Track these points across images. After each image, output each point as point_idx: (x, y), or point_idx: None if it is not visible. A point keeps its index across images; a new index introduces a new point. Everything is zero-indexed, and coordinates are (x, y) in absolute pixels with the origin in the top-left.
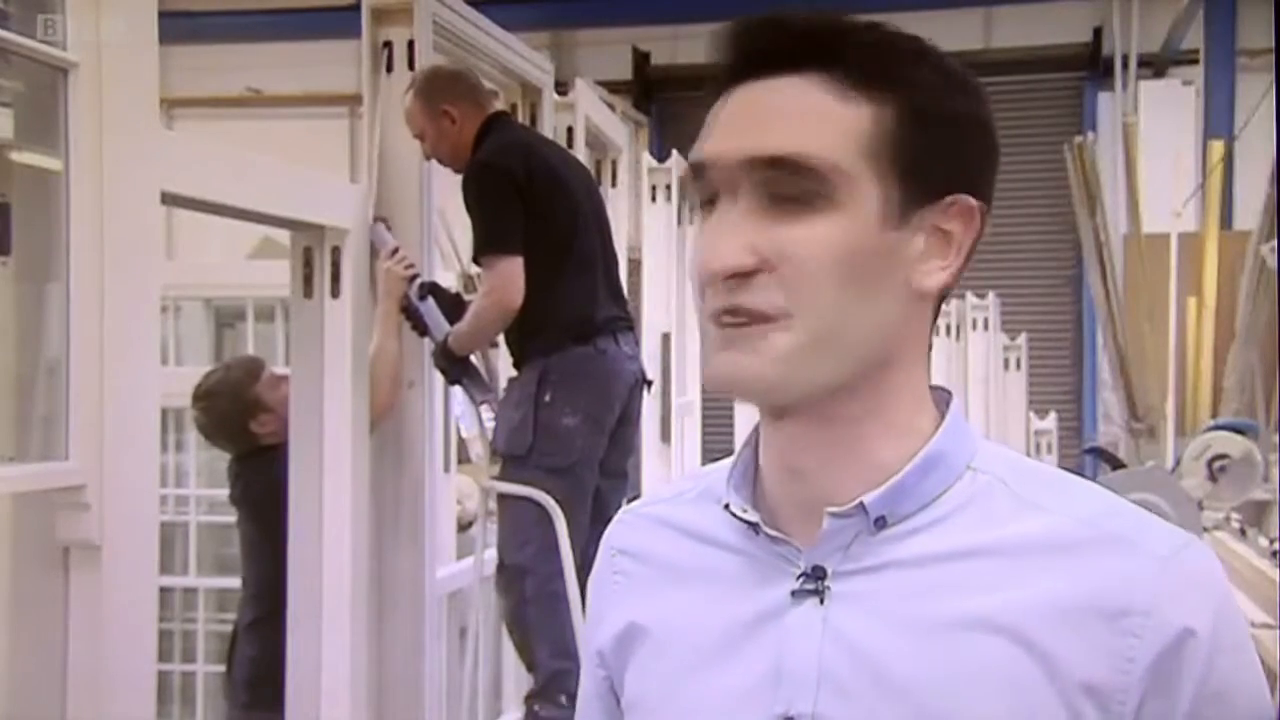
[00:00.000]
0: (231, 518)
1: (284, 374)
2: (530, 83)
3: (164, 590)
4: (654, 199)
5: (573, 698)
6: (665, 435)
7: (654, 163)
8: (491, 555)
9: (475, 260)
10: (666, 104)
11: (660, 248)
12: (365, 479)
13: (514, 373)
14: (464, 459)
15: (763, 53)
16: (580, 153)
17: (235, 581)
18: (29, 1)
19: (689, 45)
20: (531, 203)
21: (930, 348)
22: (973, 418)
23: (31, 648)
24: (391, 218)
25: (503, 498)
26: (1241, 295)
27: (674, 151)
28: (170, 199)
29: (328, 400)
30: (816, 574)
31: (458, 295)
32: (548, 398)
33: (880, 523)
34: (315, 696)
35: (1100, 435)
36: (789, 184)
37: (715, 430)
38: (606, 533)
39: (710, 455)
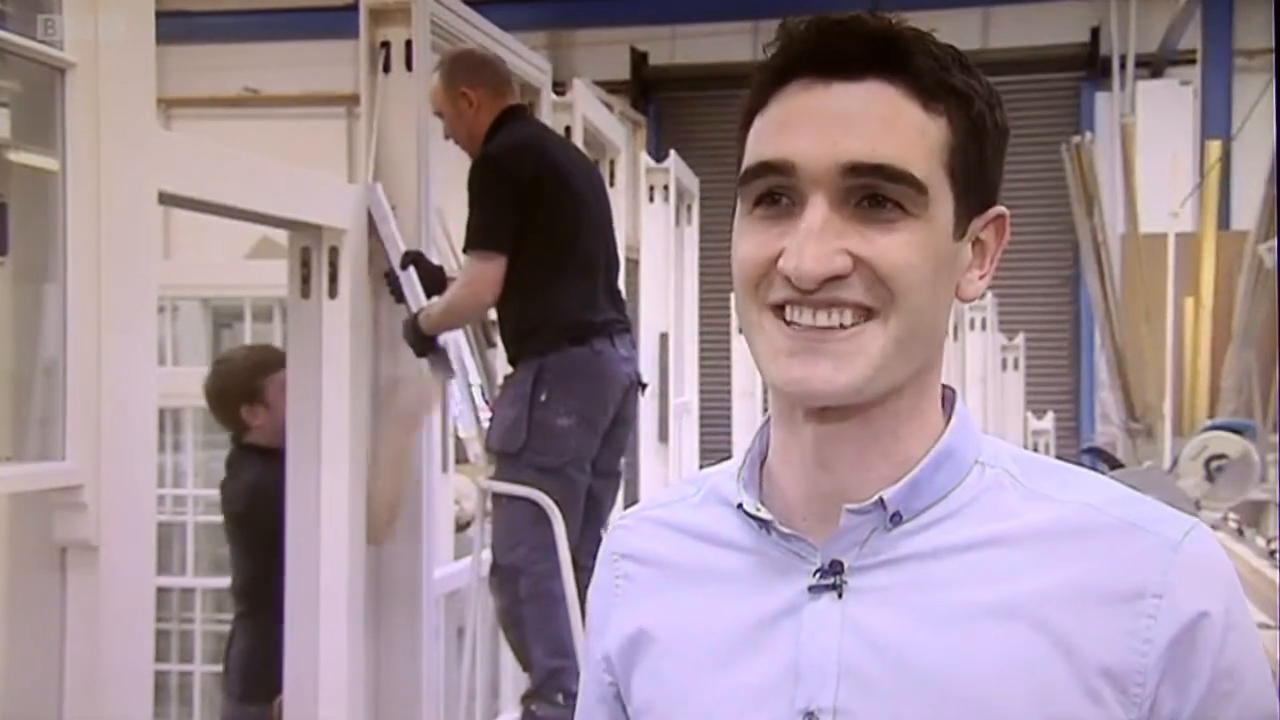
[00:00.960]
0: None
1: None
2: (528, 83)
3: (161, 590)
4: (652, 199)
5: (569, 696)
6: (663, 435)
7: (652, 163)
8: (489, 555)
9: (464, 249)
10: (664, 104)
11: (658, 248)
12: (363, 479)
13: (510, 370)
14: (462, 459)
15: (840, 55)
16: None
17: None
18: (26, 1)
19: (687, 45)
20: (534, 204)
21: None
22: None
23: (29, 648)
24: (412, 294)
25: (497, 497)
26: (1239, 295)
27: (672, 151)
28: (167, 199)
29: (325, 400)
30: (834, 569)
31: (440, 269)
32: (543, 397)
33: (896, 518)
34: (313, 696)
35: (1098, 435)
36: (886, 190)
37: (713, 430)
38: (606, 538)
39: (708, 454)
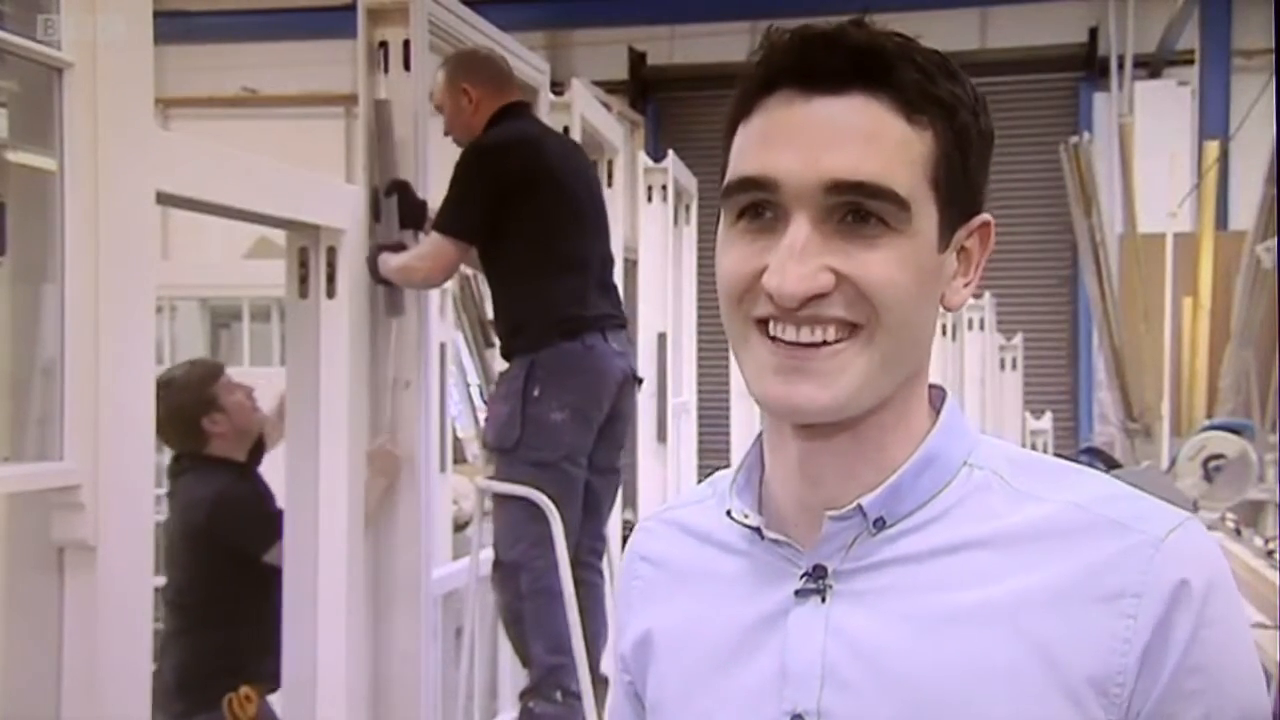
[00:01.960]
0: None
1: (241, 384)
2: (526, 83)
3: (159, 590)
4: (650, 199)
5: (568, 694)
6: (661, 435)
7: (650, 163)
8: (487, 555)
9: (432, 226)
10: (662, 104)
11: (656, 248)
12: (361, 479)
13: (504, 366)
14: (460, 459)
15: (823, 68)
16: None
17: None
18: (24, 1)
19: (685, 45)
20: (522, 199)
21: None
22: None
23: (26, 648)
24: (388, 220)
25: (497, 494)
26: (1237, 295)
27: (670, 151)
28: (165, 199)
29: (323, 400)
30: (818, 573)
31: (423, 204)
32: (536, 392)
33: (880, 523)
34: (311, 696)
35: (1096, 435)
36: (868, 206)
37: (712, 430)
38: (630, 539)
39: (706, 455)
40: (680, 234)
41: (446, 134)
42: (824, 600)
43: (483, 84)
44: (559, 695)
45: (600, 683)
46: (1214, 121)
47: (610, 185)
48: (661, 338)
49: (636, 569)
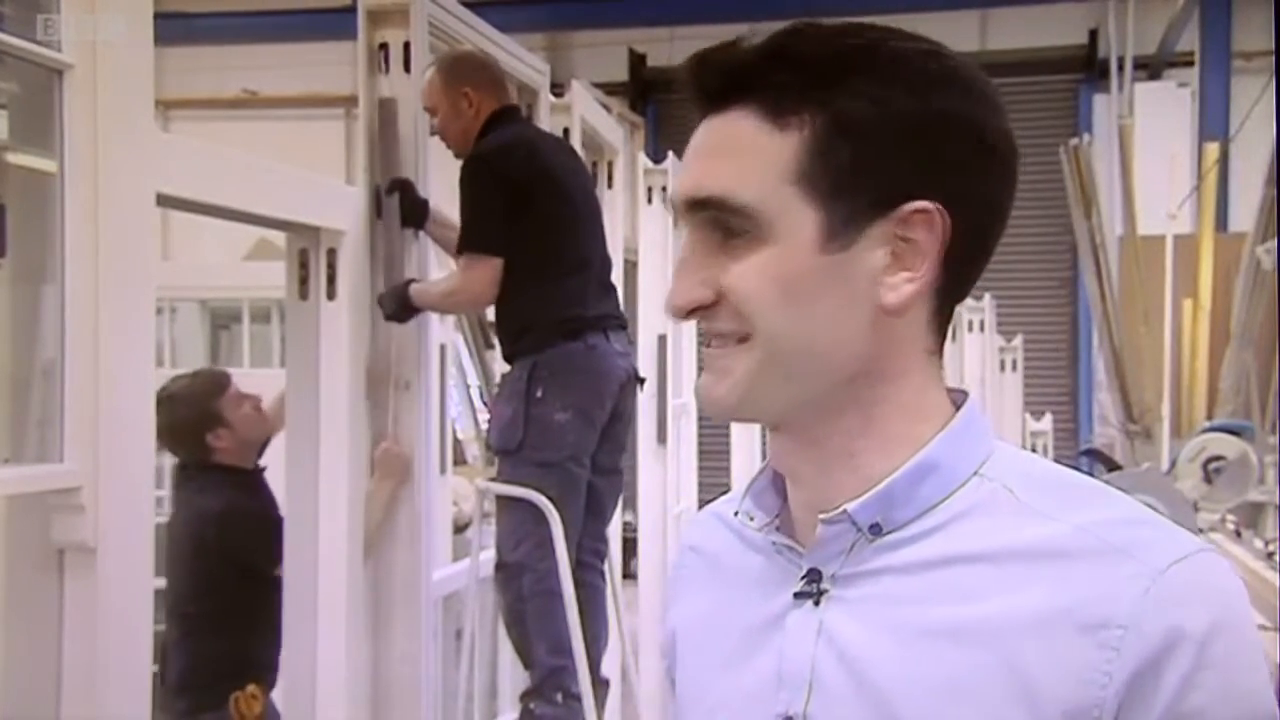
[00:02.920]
0: None
1: (248, 394)
2: (526, 84)
3: (159, 592)
4: (650, 200)
5: (569, 695)
6: (661, 437)
7: (650, 164)
8: (487, 557)
9: (459, 250)
10: (662, 105)
11: (656, 249)
12: (361, 480)
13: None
14: (460, 461)
15: (702, 90)
16: None
17: None
18: (24, 2)
19: (685, 47)
20: (524, 204)
21: (937, 355)
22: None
23: (26, 650)
24: (395, 265)
25: (501, 496)
26: (1237, 297)
27: (670, 153)
28: (166, 200)
29: (324, 402)
30: (813, 577)
31: (425, 202)
32: (539, 393)
33: (876, 529)
34: (311, 698)
35: (1096, 437)
36: (725, 220)
37: (712, 431)
38: (685, 529)
39: (707, 456)
40: (680, 235)
41: (433, 134)
42: (817, 604)
43: (483, 88)
44: (560, 697)
45: (601, 685)
46: (1214, 123)
47: (610, 187)
48: (661, 339)
49: (684, 559)
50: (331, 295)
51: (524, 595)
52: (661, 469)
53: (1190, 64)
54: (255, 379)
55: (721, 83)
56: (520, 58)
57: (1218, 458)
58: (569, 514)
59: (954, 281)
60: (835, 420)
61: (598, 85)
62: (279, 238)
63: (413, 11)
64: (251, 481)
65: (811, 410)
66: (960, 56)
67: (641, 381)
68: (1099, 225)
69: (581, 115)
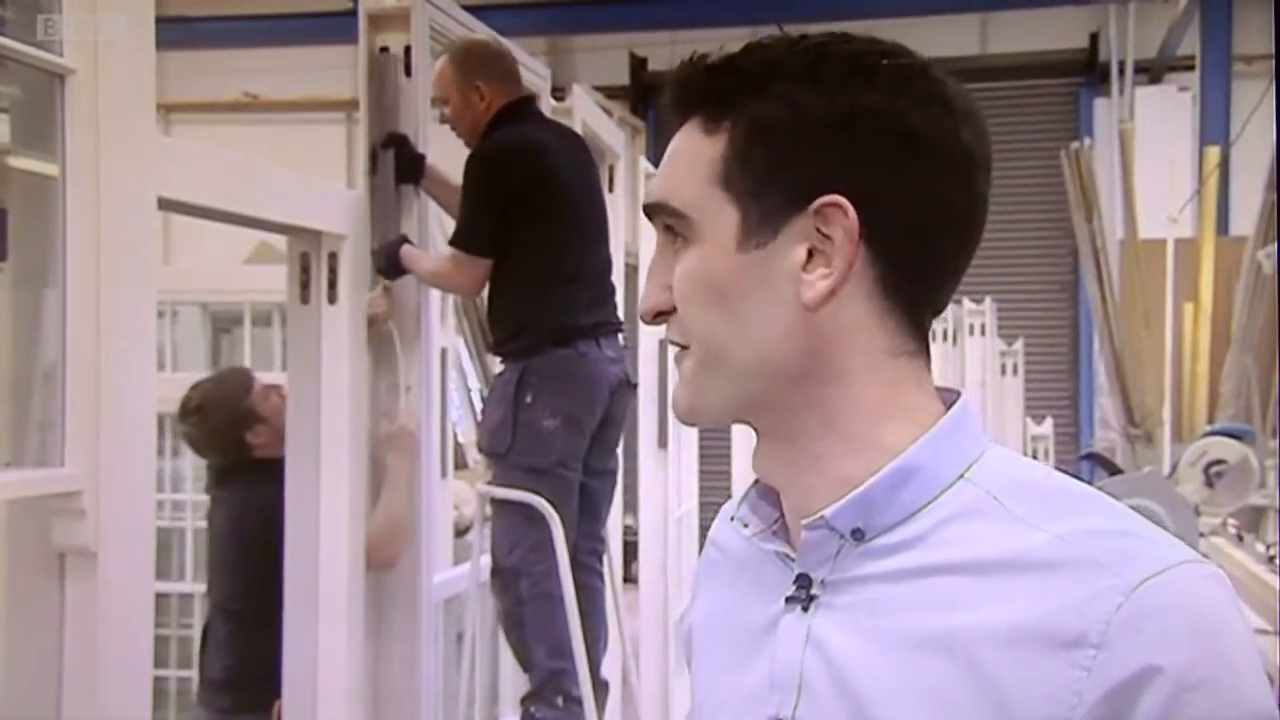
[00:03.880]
0: None
1: (274, 384)
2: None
3: (160, 596)
4: None
5: (569, 698)
6: (663, 441)
7: (651, 168)
8: (488, 561)
9: (451, 243)
10: (663, 110)
11: None
12: (362, 484)
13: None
14: (461, 464)
15: (673, 104)
16: None
17: None
18: (26, 6)
19: (686, 51)
20: (522, 209)
21: (911, 355)
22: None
23: (27, 654)
24: (389, 221)
25: (495, 500)
26: (1238, 301)
27: None
28: (167, 204)
29: (325, 405)
30: (802, 582)
31: (421, 158)
32: (528, 399)
33: (859, 535)
34: (312, 701)
35: (1097, 441)
36: (670, 224)
37: (713, 435)
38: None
39: (708, 460)
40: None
41: (444, 123)
42: (806, 610)
43: (496, 81)
44: (560, 700)
45: (601, 687)
46: (1214, 127)
47: (611, 191)
48: (662, 344)
49: (709, 553)
50: (333, 299)
51: (522, 599)
52: (663, 473)
53: (1191, 68)
54: None
55: (676, 97)
56: (521, 61)
57: (1219, 462)
58: (563, 517)
59: (901, 278)
60: (796, 421)
61: (599, 89)
62: (280, 241)
63: (413, 15)
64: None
65: (769, 412)
66: (914, 56)
67: (634, 386)
68: (1100, 229)
69: (582, 119)
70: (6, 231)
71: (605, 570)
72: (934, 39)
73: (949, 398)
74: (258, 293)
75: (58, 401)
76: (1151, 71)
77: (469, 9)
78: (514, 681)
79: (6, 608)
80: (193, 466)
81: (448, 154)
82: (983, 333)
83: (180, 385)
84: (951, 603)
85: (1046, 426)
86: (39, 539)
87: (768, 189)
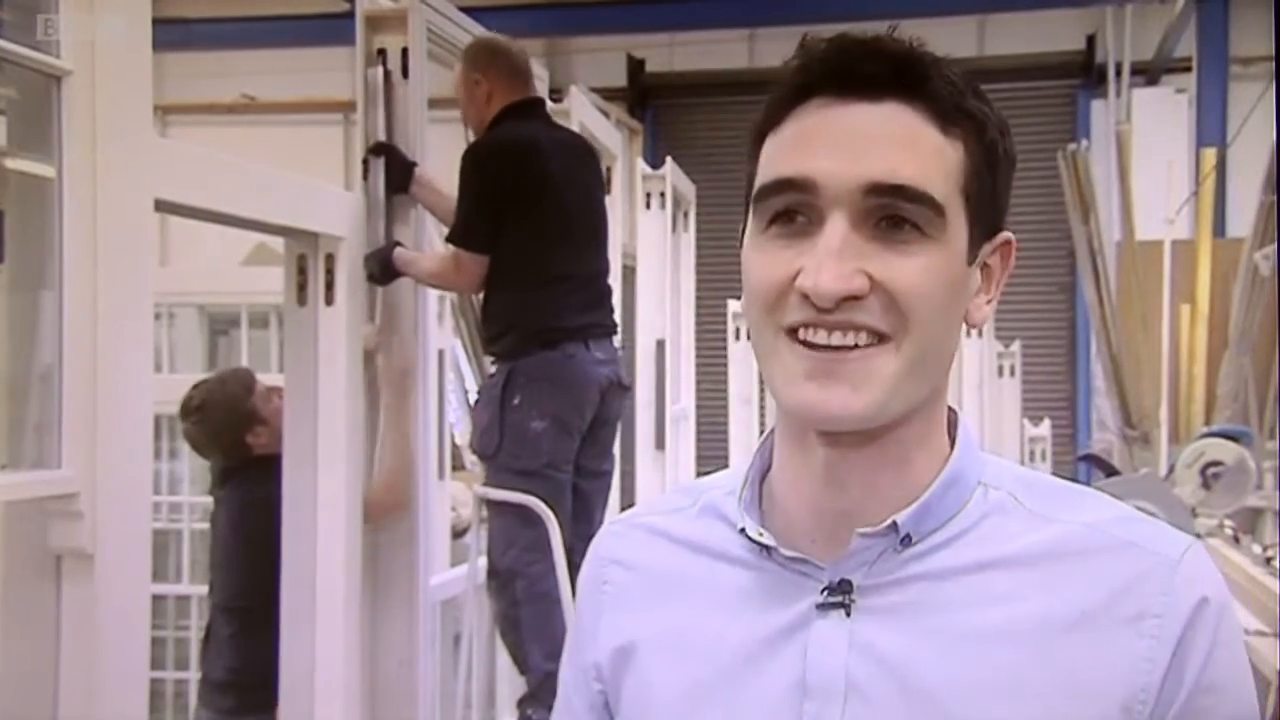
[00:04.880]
0: None
1: (275, 385)
2: None
3: (157, 598)
4: (648, 206)
5: None
6: (660, 442)
7: (648, 169)
8: (485, 562)
9: (446, 239)
10: (661, 111)
11: (654, 255)
12: (360, 485)
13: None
14: (458, 465)
15: (861, 75)
16: None
17: None
18: (23, 7)
19: (684, 53)
20: (512, 207)
21: None
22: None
23: (24, 656)
24: (375, 182)
25: (490, 502)
26: (1235, 302)
27: (668, 158)
28: (164, 206)
29: (322, 407)
30: (843, 587)
31: (412, 165)
32: (515, 400)
33: (905, 541)
34: (309, 703)
35: (1094, 442)
36: (904, 211)
37: (710, 437)
38: (595, 541)
39: (705, 461)
40: (678, 241)
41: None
42: (848, 614)
43: (496, 77)
44: None
45: None
46: (1211, 128)
47: (608, 192)
48: (660, 344)
49: (606, 573)
50: (329, 300)
51: (517, 601)
52: (660, 474)
53: (1188, 70)
54: None
55: (885, 72)
56: None
57: (1216, 463)
58: (556, 519)
59: None
60: (905, 427)
61: (596, 90)
62: (277, 243)
63: (411, 17)
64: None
65: (906, 420)
66: None
67: (625, 388)
68: (1097, 230)
69: (580, 120)
70: (3, 233)
71: None
72: (931, 40)
73: (948, 415)
74: (255, 294)
75: (55, 403)
76: (1148, 73)
77: (467, 10)
78: (511, 684)
79: (3, 610)
80: (190, 468)
81: (448, 155)
82: (980, 334)
83: (178, 387)
84: (1006, 595)
85: (1044, 428)
86: (36, 541)
87: (984, 212)
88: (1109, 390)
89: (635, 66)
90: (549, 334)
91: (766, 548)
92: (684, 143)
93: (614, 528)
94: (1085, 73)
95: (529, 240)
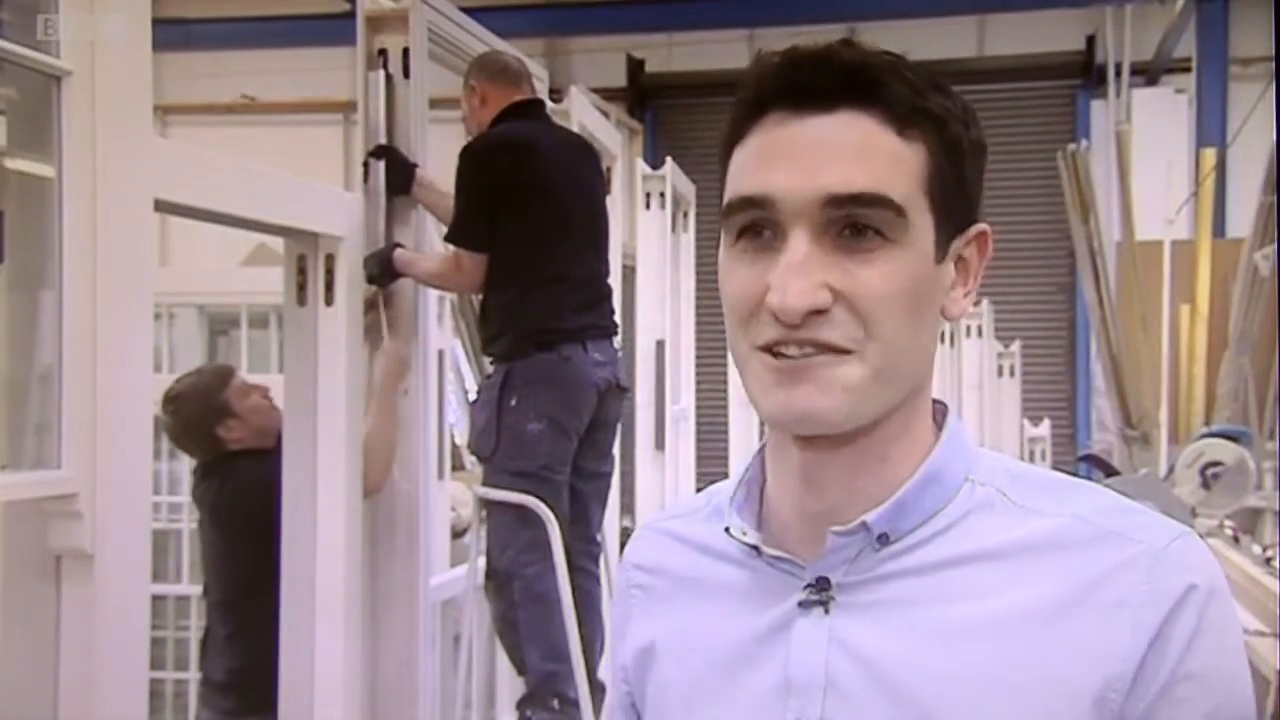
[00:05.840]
0: None
1: (257, 384)
2: None
3: (156, 598)
4: (648, 206)
5: (565, 701)
6: (659, 443)
7: (648, 170)
8: (485, 563)
9: (445, 238)
10: (660, 111)
11: (654, 255)
12: (359, 486)
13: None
14: (458, 466)
15: (813, 88)
16: None
17: None
18: (23, 7)
19: (683, 53)
20: (506, 206)
21: None
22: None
23: (24, 656)
24: (375, 184)
25: (489, 502)
26: (1234, 302)
27: (668, 158)
28: (164, 206)
29: (322, 407)
30: (821, 586)
31: (413, 166)
32: (512, 402)
33: (883, 539)
34: (308, 704)
35: (1094, 442)
36: (864, 218)
37: (710, 437)
38: (626, 548)
39: (704, 462)
40: (678, 241)
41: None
42: (827, 612)
43: (488, 80)
44: (556, 703)
45: (597, 689)
46: (1211, 129)
47: (608, 193)
48: (659, 345)
49: (633, 577)
50: (329, 301)
51: (515, 602)
52: (660, 474)
53: (1188, 70)
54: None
55: (837, 83)
56: None
57: (1216, 463)
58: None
59: None
60: (884, 427)
61: (596, 91)
62: (277, 243)
63: (411, 17)
64: (277, 455)
65: (885, 420)
66: None
67: (624, 390)
68: (1097, 231)
69: (580, 121)
70: (3, 233)
71: (601, 572)
72: (931, 41)
73: (936, 407)
74: (254, 294)
75: (54, 403)
76: (1148, 73)
77: (467, 10)
78: (511, 684)
79: (3, 610)
80: (189, 468)
81: (449, 156)
82: (979, 335)
83: None
84: (986, 589)
85: (1044, 428)
86: (35, 541)
87: (953, 206)
88: (1109, 390)
89: (635, 66)
90: (545, 335)
91: (755, 548)
92: (684, 143)
93: (640, 533)
94: (1085, 73)
95: (525, 239)
